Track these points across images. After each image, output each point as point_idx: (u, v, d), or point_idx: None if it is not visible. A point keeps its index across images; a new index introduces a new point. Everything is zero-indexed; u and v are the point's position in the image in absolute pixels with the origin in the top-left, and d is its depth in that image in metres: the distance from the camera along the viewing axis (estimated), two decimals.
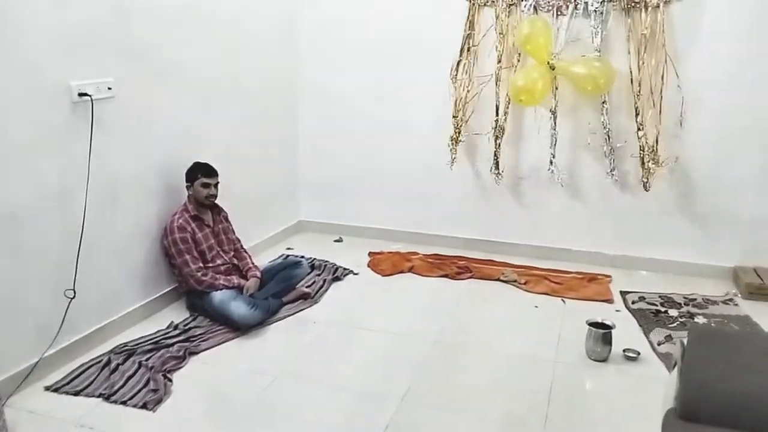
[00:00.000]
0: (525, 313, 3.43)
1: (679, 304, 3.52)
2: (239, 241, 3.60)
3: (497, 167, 4.05)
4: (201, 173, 3.28)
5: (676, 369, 1.90)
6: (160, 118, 3.27)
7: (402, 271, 3.98)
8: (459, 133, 4.09)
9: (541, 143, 3.97)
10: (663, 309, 3.45)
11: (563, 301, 3.57)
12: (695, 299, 3.58)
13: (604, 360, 2.89)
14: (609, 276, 3.90)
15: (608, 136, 3.80)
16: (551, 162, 3.93)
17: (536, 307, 3.50)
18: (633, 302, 3.55)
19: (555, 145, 3.91)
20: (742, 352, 1.79)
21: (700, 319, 3.32)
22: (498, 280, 3.85)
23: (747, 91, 3.60)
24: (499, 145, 4.02)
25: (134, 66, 3.07)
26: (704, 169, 3.76)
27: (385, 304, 3.55)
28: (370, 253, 4.26)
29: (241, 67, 3.91)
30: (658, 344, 3.05)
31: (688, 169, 3.79)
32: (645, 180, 3.73)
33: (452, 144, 4.10)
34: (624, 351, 2.94)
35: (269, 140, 4.33)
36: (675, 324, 3.27)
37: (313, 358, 2.95)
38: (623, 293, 3.67)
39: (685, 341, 1.87)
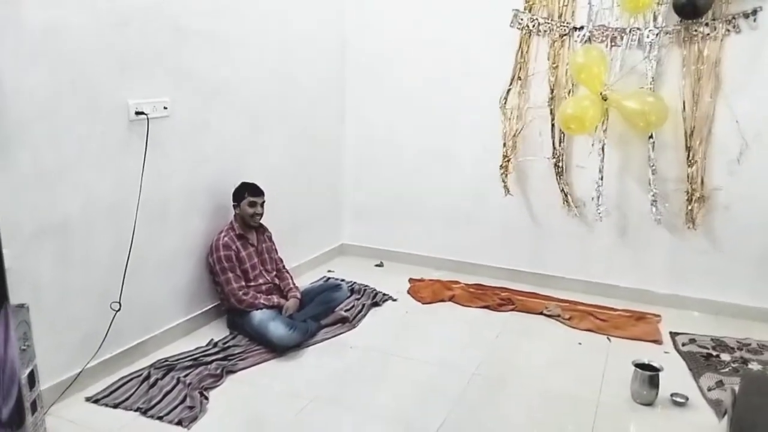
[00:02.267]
0: (568, 350, 3.32)
1: (732, 348, 3.35)
2: (281, 261, 3.63)
3: (566, 199, 3.98)
4: (248, 192, 3.34)
5: (726, 418, 1.79)
6: (211, 139, 3.35)
7: (442, 300, 3.92)
8: (509, 161, 4.05)
9: (592, 175, 3.88)
10: (715, 353, 3.28)
11: (609, 339, 3.44)
12: (749, 344, 3.40)
13: (650, 404, 2.76)
14: (659, 315, 3.74)
15: (653, 172, 3.69)
16: (598, 195, 3.83)
17: (580, 344, 3.39)
18: (683, 344, 3.39)
19: (603, 177, 3.81)
20: None
21: (754, 365, 3.14)
22: (541, 314, 3.75)
23: None
24: (561, 176, 3.95)
25: (188, 87, 3.16)
26: (761, 207, 3.60)
27: (424, 333, 3.50)
28: (410, 280, 4.23)
29: (290, 91, 3.99)
30: (708, 390, 2.90)
31: (744, 207, 3.62)
32: (693, 218, 3.59)
33: (503, 173, 4.06)
34: (672, 395, 2.80)
35: (315, 163, 4.38)
36: (727, 369, 3.10)
37: (348, 383, 2.93)
38: (673, 334, 3.51)
39: (737, 389, 1.77)
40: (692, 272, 3.83)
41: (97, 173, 2.74)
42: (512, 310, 3.80)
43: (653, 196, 3.72)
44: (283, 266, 3.63)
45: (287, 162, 4.04)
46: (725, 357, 3.24)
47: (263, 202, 3.40)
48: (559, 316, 3.70)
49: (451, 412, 2.67)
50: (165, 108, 3.03)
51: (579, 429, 2.58)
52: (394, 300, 3.92)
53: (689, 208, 3.63)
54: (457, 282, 4.18)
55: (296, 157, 4.13)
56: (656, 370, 2.78)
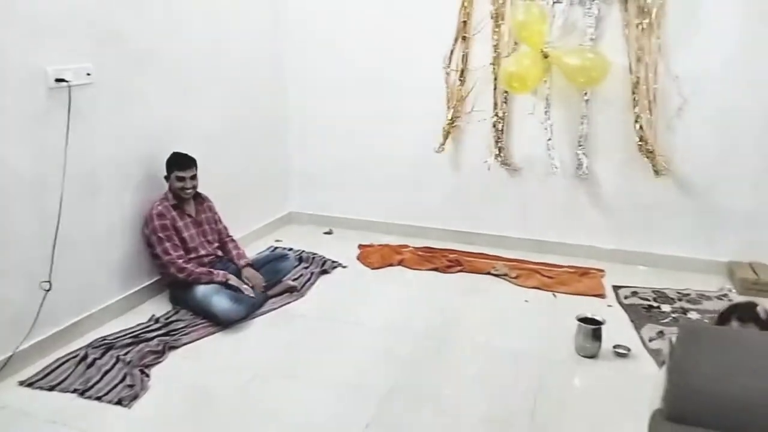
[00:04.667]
0: (515, 308, 3.36)
1: (672, 299, 3.45)
2: (226, 230, 3.51)
3: (499, 156, 3.96)
4: (176, 167, 3.19)
5: (664, 368, 1.82)
6: (140, 106, 3.19)
7: (391, 264, 3.90)
8: (452, 123, 4.01)
9: (536, 134, 3.88)
10: (656, 304, 3.38)
11: (554, 296, 3.50)
12: (689, 294, 3.51)
13: (593, 356, 2.82)
14: (602, 270, 3.82)
15: (586, 129, 3.74)
16: (549, 153, 3.84)
17: (527, 301, 3.43)
18: (625, 297, 3.48)
19: (551, 135, 3.82)
20: (732, 352, 1.72)
21: (693, 315, 3.26)
22: (489, 273, 3.77)
23: (745, 85, 3.50)
24: (500, 134, 3.93)
25: (114, 52, 2.98)
26: (700, 164, 3.68)
27: (374, 298, 3.48)
28: (359, 246, 4.19)
29: (224, 55, 3.81)
30: (650, 340, 2.98)
31: (684, 164, 3.70)
32: (656, 170, 3.64)
33: (445, 134, 4.02)
34: (614, 347, 2.87)
35: (256, 130, 4.24)
36: (667, 320, 3.20)
37: (297, 353, 2.88)
38: (616, 288, 3.60)
39: (674, 339, 1.80)
40: (634, 227, 3.92)
41: (14, 147, 2.56)
42: (460, 271, 3.82)
43: (583, 152, 3.77)
44: (228, 236, 3.51)
45: (225, 129, 3.89)
46: (666, 308, 3.34)
47: (193, 175, 3.24)
48: (506, 275, 3.73)
49: (402, 374, 2.67)
50: (88, 74, 2.84)
51: (526, 383, 2.61)
52: (344, 267, 3.88)
53: (646, 160, 3.66)
54: (406, 246, 4.16)
55: (235, 124, 3.99)
56: (599, 323, 2.84)
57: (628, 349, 2.86)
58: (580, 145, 3.81)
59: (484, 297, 3.49)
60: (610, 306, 3.37)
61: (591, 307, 3.17)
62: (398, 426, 2.35)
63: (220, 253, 3.42)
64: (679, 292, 3.53)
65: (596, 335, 2.82)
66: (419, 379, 2.65)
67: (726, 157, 3.63)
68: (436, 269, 3.83)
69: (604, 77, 3.53)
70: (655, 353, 2.86)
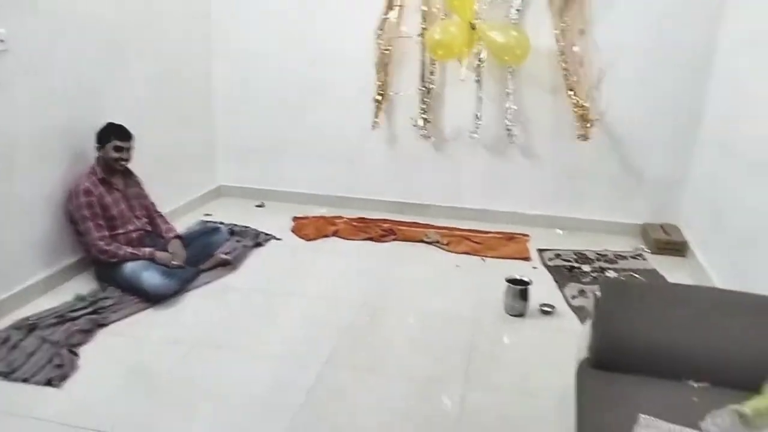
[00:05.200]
0: (447, 273, 3.47)
1: (592, 259, 3.67)
2: (154, 206, 3.41)
3: (425, 127, 4.02)
4: (115, 136, 3.06)
5: (589, 321, 1.96)
6: (61, 75, 3.01)
7: (326, 236, 3.92)
8: (383, 94, 4.03)
9: (464, 105, 3.98)
10: (577, 265, 3.58)
11: (483, 260, 3.64)
12: (606, 255, 3.75)
13: (521, 315, 2.97)
14: (527, 235, 4.00)
15: (512, 101, 3.88)
16: (476, 123, 3.95)
17: (458, 266, 3.55)
18: (549, 259, 3.67)
19: (480, 106, 3.92)
20: (649, 304, 1.87)
21: (610, 274, 3.48)
22: (421, 241, 3.87)
23: (660, 56, 3.73)
24: (427, 105, 3.98)
25: (30, 16, 2.79)
26: (617, 131, 3.89)
27: (309, 269, 3.49)
28: (293, 218, 4.17)
29: (149, 21, 3.65)
30: (572, 298, 3.18)
31: (601, 132, 3.90)
32: (582, 134, 3.80)
33: (376, 106, 4.04)
34: (540, 306, 3.03)
35: (183, 100, 4.11)
36: (588, 279, 3.41)
37: (232, 325, 2.87)
38: (540, 251, 3.78)
39: (598, 294, 1.93)
40: (556, 194, 4.11)
41: None
42: (394, 240, 3.89)
43: (511, 122, 3.91)
44: (156, 211, 3.40)
45: (151, 99, 3.75)
46: (586, 268, 3.55)
47: (130, 147, 3.13)
48: (437, 242, 3.83)
49: (341, 342, 2.71)
50: (1, 41, 2.65)
51: (459, 344, 2.72)
52: (278, 239, 3.86)
53: (582, 128, 3.80)
54: (340, 217, 4.19)
55: (161, 94, 3.85)
56: (526, 283, 2.99)
57: (553, 307, 3.03)
58: (507, 116, 3.93)
59: (417, 264, 3.59)
60: (535, 268, 3.55)
61: (518, 270, 3.32)
62: (338, 391, 2.40)
63: (149, 228, 3.32)
64: (598, 253, 3.76)
65: (523, 295, 2.96)
66: (358, 346, 2.71)
67: (640, 126, 3.87)
68: (370, 239, 3.88)
69: (526, 55, 3.64)
70: (577, 310, 3.04)
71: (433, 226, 4.06)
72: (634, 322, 1.82)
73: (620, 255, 3.75)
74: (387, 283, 3.32)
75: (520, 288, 2.96)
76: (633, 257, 3.73)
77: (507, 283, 2.99)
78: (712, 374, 1.71)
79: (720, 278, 3.16)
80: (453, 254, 3.71)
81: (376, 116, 4.08)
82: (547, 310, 3.01)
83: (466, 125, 4.02)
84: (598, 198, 4.08)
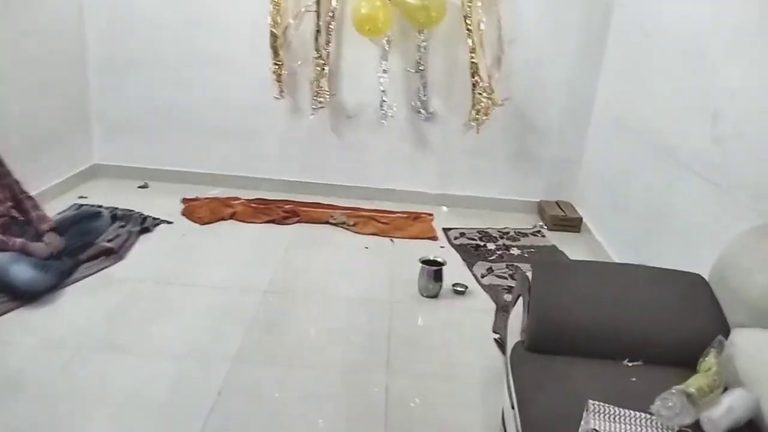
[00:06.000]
0: (356, 256, 3.34)
1: (495, 237, 3.71)
2: (19, 184, 2.90)
3: (320, 102, 3.82)
4: None
5: (521, 302, 1.91)
6: None
7: (222, 219, 3.62)
8: (280, 65, 3.77)
9: (370, 80, 3.82)
10: (482, 243, 3.60)
11: (392, 241, 3.55)
12: (508, 232, 3.81)
13: (436, 296, 2.92)
14: (431, 214, 3.96)
15: (422, 76, 3.79)
16: (382, 100, 3.81)
17: (367, 248, 3.43)
18: (455, 238, 3.65)
19: (385, 82, 3.79)
20: (580, 283, 1.86)
21: (515, 251, 3.54)
22: (327, 223, 3.70)
23: (555, 35, 3.80)
24: (324, 79, 3.78)
25: None
26: (516, 110, 3.94)
27: (206, 256, 3.20)
28: (184, 200, 3.82)
29: None
30: (482, 277, 3.18)
31: (501, 110, 3.93)
32: (477, 117, 3.77)
33: (276, 78, 3.77)
34: (453, 286, 3.00)
35: (51, 69, 3.58)
36: (494, 257, 3.43)
37: (122, 322, 2.54)
38: (446, 230, 3.76)
39: (530, 275, 1.89)
40: (458, 172, 4.11)
41: None
42: (298, 221, 3.69)
43: (419, 100, 3.83)
44: (23, 192, 2.91)
45: (13, 68, 3.22)
46: (491, 246, 3.58)
47: None
48: (344, 223, 3.69)
49: (248, 335, 2.49)
50: None
51: (377, 329, 2.61)
52: (169, 223, 3.51)
53: (475, 109, 3.77)
54: (237, 198, 3.90)
55: (24, 62, 3.31)
56: (440, 264, 2.93)
57: (466, 287, 3.01)
58: (420, 94, 3.84)
59: (324, 246, 3.42)
60: (442, 247, 3.52)
61: (426, 250, 3.28)
62: (254, 388, 2.20)
63: (15, 213, 2.85)
64: (500, 231, 3.81)
65: (438, 276, 2.91)
66: (269, 337, 2.51)
67: (538, 106, 3.94)
68: (272, 221, 3.65)
69: (442, 17, 3.54)
70: (488, 288, 3.05)
71: (338, 207, 3.90)
72: (567, 303, 1.80)
73: (521, 232, 3.82)
74: (294, 269, 3.12)
75: (435, 269, 2.90)
76: (533, 234, 3.82)
77: (421, 265, 2.92)
78: (644, 352, 1.73)
79: (616, 252, 3.31)
80: (361, 236, 3.58)
81: (278, 89, 3.81)
82: (459, 290, 2.98)
83: (370, 101, 3.88)
84: (497, 177, 4.12)
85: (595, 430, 1.40)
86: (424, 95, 3.85)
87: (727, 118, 2.35)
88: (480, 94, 3.69)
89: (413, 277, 2.97)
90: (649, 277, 1.91)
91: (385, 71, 3.78)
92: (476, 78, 3.71)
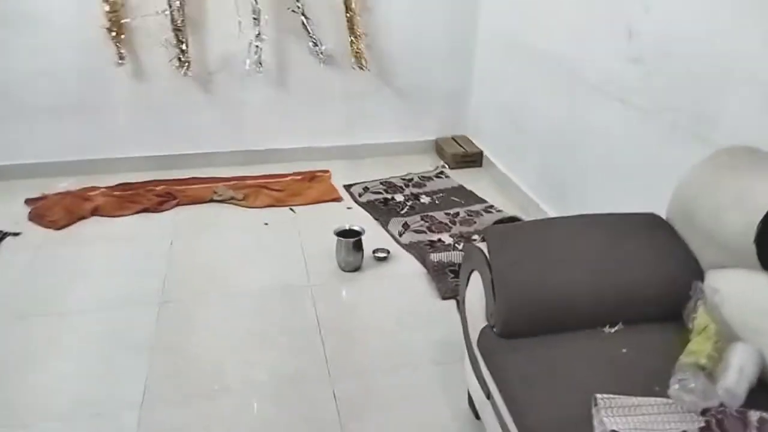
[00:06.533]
0: (257, 235, 2.92)
1: (401, 187, 3.45)
2: None
3: (182, 61, 3.22)
4: None
5: (476, 280, 1.66)
6: None
7: (82, 217, 3.00)
8: (118, 20, 3.09)
9: (232, 30, 3.26)
10: (389, 196, 3.32)
11: (292, 210, 3.16)
12: (412, 179, 3.55)
13: (358, 268, 2.62)
14: (327, 171, 3.59)
15: (303, 12, 3.32)
16: (256, 48, 3.28)
17: (266, 224, 3.01)
18: (360, 195, 3.34)
19: (257, 30, 3.26)
20: (539, 247, 1.64)
21: (424, 199, 3.30)
22: (211, 201, 3.20)
23: None
24: (181, 31, 3.17)
25: None
26: (398, 44, 3.59)
27: (71, 271, 2.59)
28: (27, 201, 3.11)
29: None
30: (400, 235, 2.92)
31: (383, 45, 3.57)
32: (356, 56, 3.40)
33: (114, 36, 3.10)
34: (374, 253, 2.71)
35: None
36: (405, 209, 3.18)
37: None
38: (347, 187, 3.43)
39: (485, 247, 1.64)
40: (347, 120, 3.73)
41: None
42: (177, 205, 3.15)
43: (314, 36, 3.39)
44: None
45: None
46: (399, 197, 3.31)
47: None
48: (232, 198, 3.22)
49: (151, 368, 2.04)
50: None
51: (304, 321, 2.28)
52: (16, 235, 2.83)
53: (354, 50, 3.40)
54: (94, 188, 3.25)
55: None
56: (358, 233, 2.62)
57: (388, 252, 2.73)
58: (312, 37, 3.38)
59: (216, 231, 2.95)
60: (349, 208, 3.20)
61: (333, 215, 2.97)
62: (174, 412, 1.80)
63: None
64: (403, 179, 3.54)
65: (358, 246, 2.60)
66: (178, 363, 2.08)
67: (418, 39, 3.62)
68: (145, 210, 3.08)
69: None
70: (409, 248, 2.80)
71: (219, 179, 3.39)
72: (535, 275, 1.57)
73: (424, 176, 3.59)
74: (186, 266, 2.64)
75: (354, 240, 2.58)
76: (437, 176, 3.60)
77: (337, 237, 2.58)
78: (622, 312, 1.57)
79: (527, 185, 3.18)
80: (255, 210, 3.14)
81: (117, 52, 3.14)
82: (381, 256, 2.71)
83: (237, 50, 3.33)
84: (387, 119, 3.81)
85: (614, 431, 1.21)
86: (313, 35, 3.38)
87: (646, 35, 2.19)
88: (354, 29, 3.33)
89: (327, 249, 2.64)
90: (606, 226, 1.73)
91: (255, 14, 3.23)
92: (350, 13, 3.32)
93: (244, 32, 3.25)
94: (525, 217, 2.92)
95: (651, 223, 1.73)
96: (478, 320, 1.66)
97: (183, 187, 3.31)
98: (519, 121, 3.24)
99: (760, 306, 1.41)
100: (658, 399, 1.27)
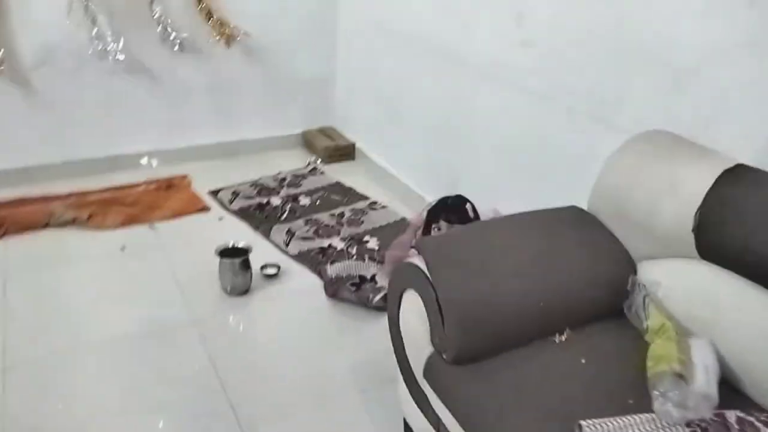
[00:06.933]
0: (113, 264, 2.44)
1: (274, 188, 3.14)
2: None
3: None
4: None
5: (411, 301, 1.47)
6: None
7: None
8: None
9: (53, 12, 2.69)
10: (264, 200, 3.00)
11: (152, 227, 2.71)
12: (285, 178, 3.26)
13: (247, 291, 2.30)
14: (186, 176, 3.16)
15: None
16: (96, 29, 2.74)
17: (123, 248, 2.54)
18: (230, 202, 2.97)
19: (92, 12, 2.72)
20: (477, 257, 1.48)
21: (303, 200, 3.03)
22: (47, 225, 2.64)
23: None
24: None
25: None
26: (256, 30, 3.23)
27: None
28: None
29: None
30: (286, 245, 2.63)
31: (240, 41, 3.19)
32: (221, 34, 3.02)
33: None
34: (262, 270, 2.41)
35: None
36: (285, 214, 2.89)
37: None
38: (213, 194, 3.04)
39: (421, 264, 1.45)
40: (201, 117, 3.31)
41: None
42: (4, 235, 2.55)
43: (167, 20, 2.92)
44: None
45: None
46: (275, 201, 3.01)
47: None
48: (75, 219, 2.68)
49: None
50: None
51: (186, 358, 1.94)
52: None
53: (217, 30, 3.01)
54: None
55: None
56: (245, 251, 2.29)
57: (278, 267, 2.44)
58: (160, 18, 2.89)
59: (61, 262, 2.42)
60: (221, 219, 2.84)
61: (203, 228, 2.61)
62: None
63: None
64: (275, 179, 3.23)
65: (245, 266, 2.27)
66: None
67: (275, 25, 3.30)
68: None
69: None
70: (300, 258, 2.53)
71: (54, 198, 2.81)
72: (482, 292, 1.41)
73: (298, 174, 3.31)
74: (29, 316, 2.11)
75: (240, 260, 2.24)
76: (311, 173, 3.34)
77: (221, 258, 2.23)
78: (567, 317, 1.48)
79: (408, 176, 3.05)
80: (106, 232, 2.64)
81: None
82: (271, 273, 2.41)
83: (60, 43, 2.76)
84: (248, 113, 3.45)
85: None
86: (162, 19, 2.91)
87: (538, 16, 2.12)
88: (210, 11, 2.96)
89: (206, 271, 2.30)
90: (538, 227, 1.62)
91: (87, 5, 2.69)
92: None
93: (70, 16, 2.69)
94: (410, 214, 2.80)
95: (578, 217, 1.65)
96: (419, 346, 1.47)
97: (9, 211, 2.68)
98: (396, 110, 3.09)
99: (707, 297, 1.39)
100: (642, 416, 1.18)
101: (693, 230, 1.39)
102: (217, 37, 3.03)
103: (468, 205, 1.98)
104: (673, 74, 1.70)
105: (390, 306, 1.59)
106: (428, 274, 1.42)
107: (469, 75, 2.49)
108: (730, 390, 1.30)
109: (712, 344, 1.33)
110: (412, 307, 1.48)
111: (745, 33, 1.52)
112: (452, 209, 2.00)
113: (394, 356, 1.59)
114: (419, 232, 2.20)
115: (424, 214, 2.20)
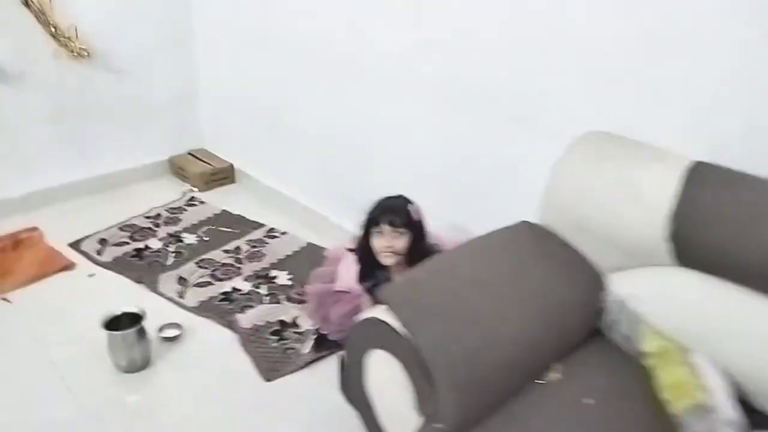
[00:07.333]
0: None
1: (150, 229, 2.70)
2: None
3: None
4: None
5: (383, 363, 1.24)
6: None
7: None
8: None
9: None
10: (141, 245, 2.56)
11: (6, 300, 2.18)
12: (159, 215, 2.82)
13: (147, 363, 1.90)
14: (35, 228, 2.61)
15: None
16: None
17: None
18: (99, 253, 2.49)
19: None
20: (453, 301, 1.27)
21: (189, 238, 2.63)
22: None
23: None
24: None
25: None
26: (102, 47, 2.75)
27: None
28: None
29: None
30: (180, 297, 2.24)
31: (85, 62, 2.70)
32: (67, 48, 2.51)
33: None
34: (160, 333, 2.01)
35: None
36: (171, 259, 2.47)
37: None
38: (75, 245, 2.53)
39: (390, 320, 1.22)
40: (40, 151, 2.76)
41: None
42: None
43: None
44: None
45: None
46: (155, 243, 2.58)
47: None
48: None
49: None
50: None
51: None
52: None
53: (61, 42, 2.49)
54: None
55: None
56: (138, 317, 1.88)
57: (179, 326, 2.05)
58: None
59: None
60: (92, 275, 2.36)
61: (69, 290, 2.18)
62: None
63: None
64: (148, 218, 2.79)
65: (141, 334, 1.87)
66: None
67: (123, 41, 2.83)
68: None
69: None
70: (204, 312, 2.16)
71: None
72: (470, 345, 1.22)
73: (174, 208, 2.89)
74: None
75: (135, 329, 1.83)
76: (189, 204, 2.93)
77: (108, 332, 1.81)
78: (554, 350, 1.34)
79: (300, 192, 2.77)
80: None
81: None
82: (172, 336, 2.02)
83: None
84: (101, 144, 2.94)
85: None
86: None
87: (440, 15, 1.95)
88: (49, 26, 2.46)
89: (90, 348, 1.88)
90: (500, 254, 1.46)
91: None
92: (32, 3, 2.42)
93: None
94: (316, 238, 2.55)
95: (538, 235, 1.52)
96: (402, 420, 1.24)
97: None
98: (277, 123, 2.79)
99: (693, 307, 1.32)
100: None
101: (670, 238, 1.31)
102: (63, 54, 2.52)
103: (411, 207, 1.78)
104: (604, 70, 1.62)
105: (349, 374, 1.34)
106: (403, 331, 1.20)
107: (365, 80, 2.27)
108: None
109: (714, 362, 1.25)
110: (384, 373, 1.25)
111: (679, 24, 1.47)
112: (395, 210, 1.78)
113: (349, 419, 1.35)
114: (346, 254, 1.96)
115: (347, 244, 1.96)
